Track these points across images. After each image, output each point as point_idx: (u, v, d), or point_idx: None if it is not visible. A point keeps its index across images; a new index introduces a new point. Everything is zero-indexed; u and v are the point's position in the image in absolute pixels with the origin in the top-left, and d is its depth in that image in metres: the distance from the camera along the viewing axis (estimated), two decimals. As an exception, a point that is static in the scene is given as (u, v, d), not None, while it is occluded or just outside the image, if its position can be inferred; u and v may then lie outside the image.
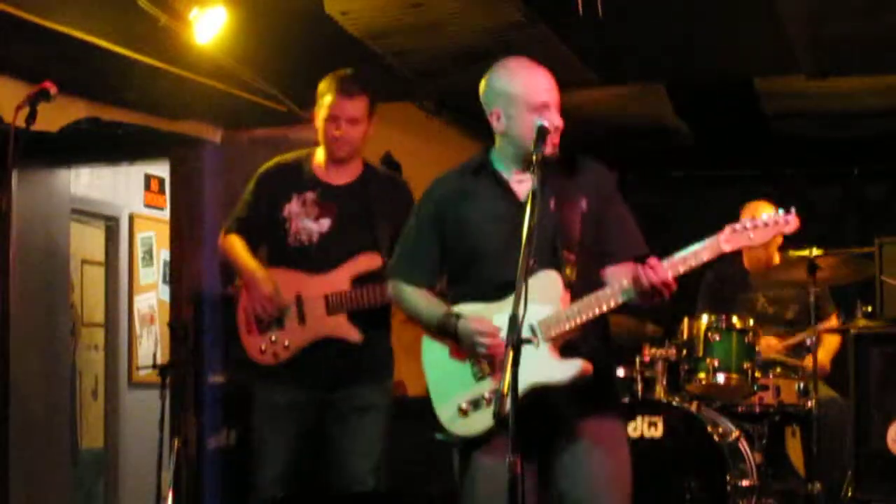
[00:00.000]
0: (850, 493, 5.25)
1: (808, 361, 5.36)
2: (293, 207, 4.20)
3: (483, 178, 3.42)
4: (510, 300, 3.02)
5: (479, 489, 3.28)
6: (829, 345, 5.78)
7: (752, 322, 5.41)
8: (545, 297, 3.21)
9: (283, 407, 4.19)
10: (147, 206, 8.46)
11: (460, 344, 3.30)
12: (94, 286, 8.25)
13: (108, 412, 8.11)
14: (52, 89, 3.66)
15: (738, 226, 3.12)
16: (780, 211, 3.17)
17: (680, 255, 3.12)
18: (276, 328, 4.18)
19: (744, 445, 5.10)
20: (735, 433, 5.11)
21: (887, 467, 5.15)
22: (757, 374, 5.32)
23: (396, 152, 7.06)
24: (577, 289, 3.22)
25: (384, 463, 4.23)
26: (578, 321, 3.19)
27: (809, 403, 5.33)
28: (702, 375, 5.26)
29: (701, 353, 5.26)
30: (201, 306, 5.73)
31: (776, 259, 5.83)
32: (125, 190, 8.26)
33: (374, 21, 5.18)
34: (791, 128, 7.76)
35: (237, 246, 4.28)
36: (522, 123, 3.32)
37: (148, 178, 8.42)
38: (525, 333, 3.07)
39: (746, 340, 5.30)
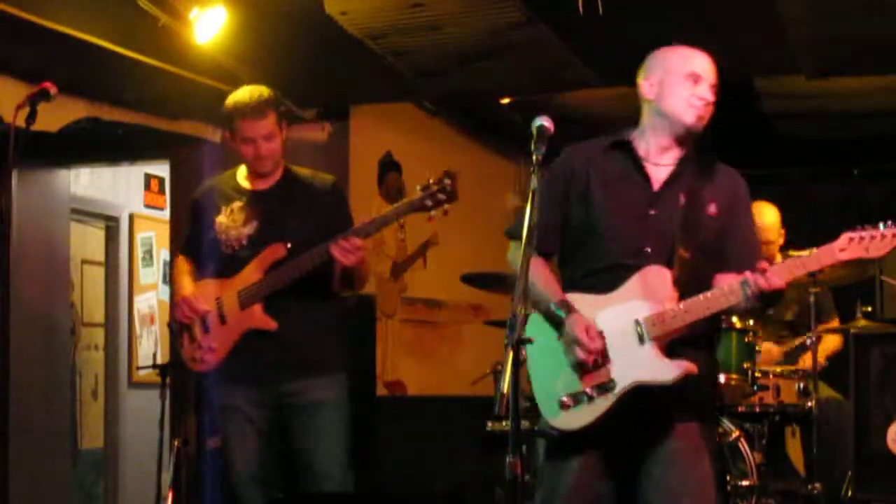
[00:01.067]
0: (850, 493, 5.25)
1: (804, 362, 5.35)
2: (223, 219, 4.31)
3: (618, 155, 3.36)
4: (621, 295, 3.06)
5: (561, 486, 3.26)
6: (829, 344, 5.77)
7: (751, 322, 5.40)
8: (653, 294, 3.18)
9: (239, 407, 4.23)
10: (147, 206, 8.46)
11: (562, 337, 3.25)
12: (94, 286, 8.25)
13: (108, 412, 8.11)
14: (52, 89, 3.65)
15: (855, 235, 3.08)
16: (889, 223, 3.10)
17: (791, 261, 3.10)
18: (204, 335, 4.25)
19: (744, 445, 5.09)
20: (735, 433, 5.10)
21: (887, 467, 5.15)
22: (757, 374, 5.31)
23: (396, 152, 7.07)
24: (688, 289, 3.19)
25: (351, 457, 4.27)
26: (686, 321, 3.15)
27: (809, 403, 5.32)
28: (702, 375, 5.25)
29: (701, 353, 5.25)
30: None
31: (778, 259, 5.83)
32: (125, 190, 8.26)
33: (374, 21, 5.18)
34: (791, 128, 7.76)
35: (179, 267, 4.43)
36: (673, 92, 3.28)
37: (148, 178, 8.42)
38: (630, 329, 3.12)
39: (746, 340, 5.29)
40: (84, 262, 8.19)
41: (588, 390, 3.19)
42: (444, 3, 4.99)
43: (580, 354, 3.19)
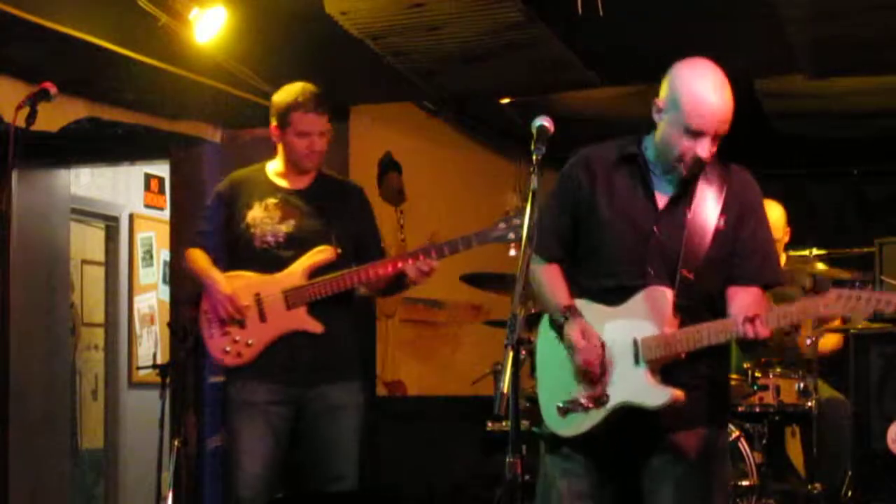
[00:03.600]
0: (850, 493, 5.25)
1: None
2: (256, 214, 4.33)
3: (628, 169, 3.33)
4: (628, 310, 3.08)
5: (556, 491, 3.28)
6: (828, 342, 5.77)
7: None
8: (652, 315, 3.18)
9: (260, 405, 4.24)
10: (147, 206, 8.47)
11: (562, 341, 3.27)
12: (94, 286, 8.25)
13: (108, 412, 8.11)
14: (52, 89, 3.66)
15: (843, 293, 3.07)
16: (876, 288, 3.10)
17: (778, 310, 3.10)
18: (238, 329, 4.26)
19: (744, 445, 5.10)
20: (735, 433, 5.10)
21: (887, 467, 5.15)
22: (757, 374, 5.32)
23: (396, 152, 7.06)
24: (691, 311, 3.18)
25: (365, 462, 4.29)
26: (679, 350, 3.15)
27: (809, 403, 5.33)
28: (702, 375, 5.25)
29: (701, 353, 5.25)
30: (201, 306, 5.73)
31: (782, 257, 5.83)
32: (125, 190, 8.26)
33: (374, 21, 5.18)
34: (791, 128, 7.75)
35: (198, 257, 4.40)
36: (670, 134, 3.24)
37: (148, 178, 8.42)
38: (626, 347, 3.12)
39: (746, 340, 5.30)
40: (84, 262, 8.19)
41: (584, 401, 3.22)
42: (444, 3, 4.99)
43: (577, 359, 3.21)
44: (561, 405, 3.24)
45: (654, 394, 3.17)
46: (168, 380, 5.25)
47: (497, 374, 5.30)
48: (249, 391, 4.25)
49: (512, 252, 4.14)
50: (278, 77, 5.85)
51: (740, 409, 5.41)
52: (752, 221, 3.31)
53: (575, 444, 3.27)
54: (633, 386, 3.16)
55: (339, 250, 4.26)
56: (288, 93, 4.36)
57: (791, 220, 5.81)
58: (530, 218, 3.00)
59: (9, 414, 3.68)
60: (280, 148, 4.40)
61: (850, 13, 5.08)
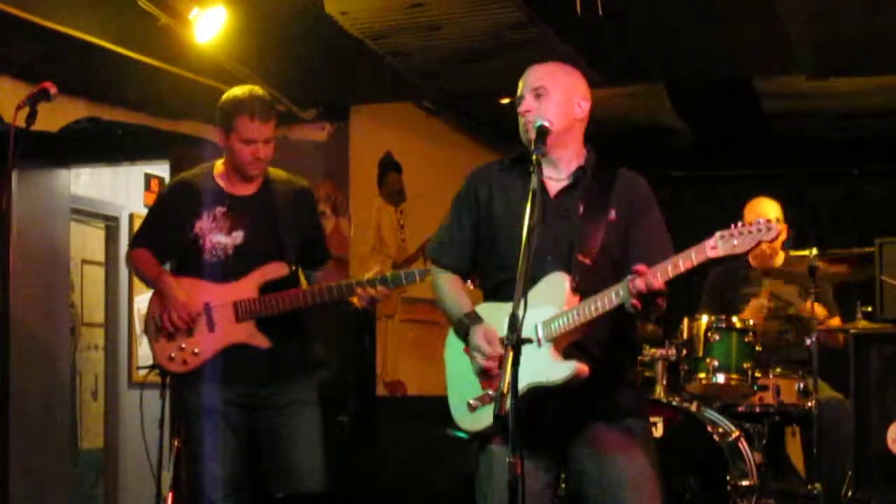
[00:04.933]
0: (850, 493, 5.25)
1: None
2: (204, 224, 4.23)
3: (518, 170, 3.46)
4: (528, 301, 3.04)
5: (493, 480, 3.32)
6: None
7: (752, 322, 5.41)
8: (551, 299, 3.25)
9: (216, 407, 4.20)
10: (147, 206, 8.45)
11: (467, 347, 3.38)
12: (94, 286, 8.25)
13: (108, 412, 8.11)
14: (52, 89, 3.65)
15: (725, 233, 3.13)
16: (763, 220, 3.16)
17: (668, 261, 3.14)
18: (185, 336, 4.21)
19: (744, 445, 5.10)
20: (735, 433, 5.11)
21: (887, 467, 5.15)
22: (757, 374, 5.32)
23: (396, 152, 7.07)
24: (590, 295, 3.23)
25: (365, 461, 4.28)
26: (576, 322, 3.21)
27: (809, 403, 5.33)
28: (702, 375, 5.26)
29: (701, 353, 5.26)
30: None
31: (780, 255, 5.84)
32: (125, 190, 8.26)
33: (374, 21, 5.18)
34: (791, 128, 7.76)
35: (146, 257, 4.33)
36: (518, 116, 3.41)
37: (148, 178, 8.42)
38: (530, 334, 3.13)
39: (746, 340, 5.30)
40: (84, 262, 8.19)
41: (492, 392, 3.27)
42: (444, 3, 4.99)
43: (481, 361, 3.29)
44: (471, 402, 3.33)
45: (557, 368, 3.21)
46: (168, 380, 5.25)
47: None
48: (204, 395, 4.20)
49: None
50: (278, 77, 5.88)
51: (740, 409, 5.41)
52: (642, 215, 3.40)
53: (494, 437, 3.30)
54: (538, 367, 3.18)
55: (293, 267, 4.22)
56: (234, 96, 4.20)
57: (791, 220, 5.81)
58: (530, 218, 3.01)
59: (9, 414, 3.67)
60: (224, 152, 4.28)
61: (850, 13, 5.08)
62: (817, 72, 5.93)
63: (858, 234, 7.58)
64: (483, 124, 7.64)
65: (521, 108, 3.41)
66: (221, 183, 4.29)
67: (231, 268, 4.21)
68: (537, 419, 3.17)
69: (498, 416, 2.86)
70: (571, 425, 3.31)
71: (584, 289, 3.25)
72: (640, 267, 3.12)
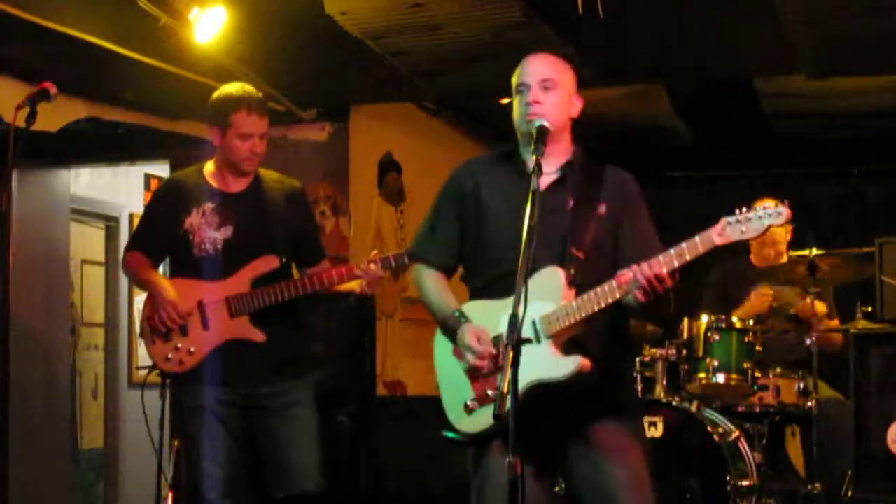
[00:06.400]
0: (850, 493, 5.25)
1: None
2: (194, 220, 4.24)
3: (506, 165, 3.42)
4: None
5: (489, 484, 3.29)
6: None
7: (752, 322, 5.41)
8: (548, 294, 3.21)
9: (212, 407, 4.20)
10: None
11: (457, 347, 3.35)
12: (94, 286, 8.25)
13: (108, 412, 8.11)
14: (52, 89, 3.65)
15: (731, 219, 3.10)
16: (772, 204, 3.14)
17: (673, 249, 3.11)
18: (180, 336, 4.21)
19: (744, 445, 5.10)
20: (735, 433, 5.11)
21: (887, 467, 5.15)
22: (757, 374, 5.32)
23: (396, 152, 7.07)
24: (585, 289, 3.21)
25: (363, 462, 4.28)
26: (578, 317, 3.18)
27: (809, 403, 5.33)
28: (702, 375, 5.26)
29: (701, 353, 5.26)
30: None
31: (785, 257, 5.83)
32: (125, 190, 8.25)
33: (374, 21, 5.18)
34: (791, 128, 7.76)
35: (139, 260, 4.34)
36: (515, 104, 3.38)
37: (148, 178, 8.41)
38: (527, 331, 3.09)
39: (746, 340, 5.30)
40: (84, 262, 8.18)
41: (490, 393, 3.23)
42: (444, 3, 4.99)
43: (472, 360, 3.26)
44: (469, 403, 3.30)
45: (560, 364, 3.17)
46: (168, 380, 5.25)
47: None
48: (200, 396, 4.20)
49: None
50: (278, 77, 5.88)
51: (740, 409, 5.41)
52: (632, 211, 3.38)
53: (492, 439, 3.25)
54: (539, 364, 3.14)
55: (284, 259, 4.21)
56: (227, 93, 4.24)
57: (791, 220, 5.80)
58: (530, 218, 3.00)
59: (9, 414, 3.68)
60: (218, 150, 4.30)
61: (850, 13, 5.08)
62: (817, 72, 5.94)
63: (858, 234, 7.59)
64: (483, 124, 7.64)
65: (529, 98, 3.33)
66: (212, 180, 4.31)
67: (222, 264, 4.21)
68: (535, 419, 3.13)
69: (498, 416, 2.85)
70: (569, 425, 3.28)
71: (579, 282, 3.22)
72: (646, 260, 3.09)
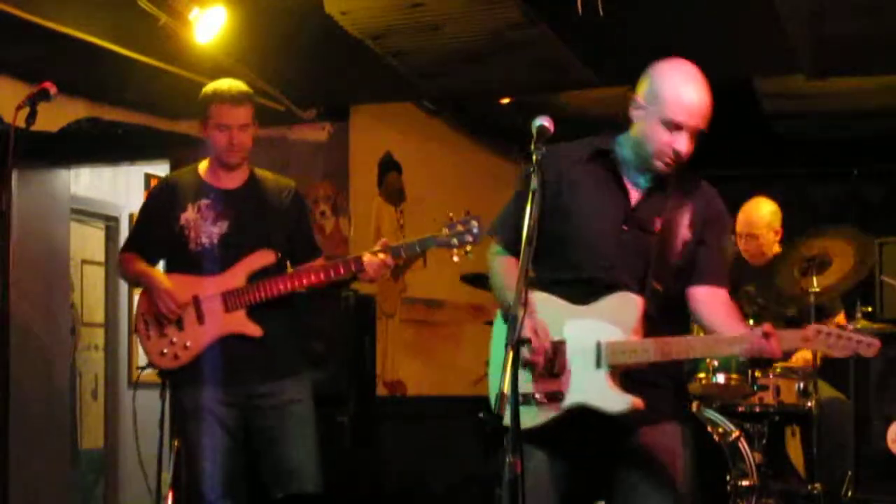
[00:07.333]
0: (850, 493, 5.25)
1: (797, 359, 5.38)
2: (189, 215, 4.26)
3: (600, 164, 3.31)
4: (593, 311, 3.06)
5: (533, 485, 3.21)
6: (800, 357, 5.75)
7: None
8: (619, 320, 3.16)
9: (209, 407, 4.19)
10: (147, 206, 8.45)
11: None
12: (94, 286, 8.25)
13: (108, 412, 8.11)
14: (52, 89, 3.66)
15: (823, 330, 3.07)
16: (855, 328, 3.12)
17: (797, 332, 3.08)
18: (176, 330, 4.21)
19: (744, 445, 5.10)
20: (735, 433, 5.11)
21: (887, 467, 5.15)
22: (757, 374, 5.32)
23: (396, 152, 7.07)
24: (656, 322, 3.17)
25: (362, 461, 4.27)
26: (649, 359, 3.13)
27: (809, 403, 5.33)
28: (702, 375, 5.26)
29: (701, 353, 5.25)
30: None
31: (775, 249, 5.81)
32: (125, 190, 8.26)
33: (374, 21, 5.18)
34: (791, 128, 7.76)
35: (134, 259, 4.35)
36: (648, 128, 3.21)
37: (148, 178, 8.41)
38: (591, 349, 3.10)
39: (746, 340, 5.29)
40: (84, 262, 8.19)
41: (538, 395, 3.20)
42: (444, 3, 5.00)
43: (526, 353, 3.17)
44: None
45: (613, 400, 3.14)
46: (167, 380, 5.25)
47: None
48: (197, 395, 4.20)
49: (455, 258, 4.09)
50: (278, 77, 5.88)
51: (740, 409, 5.41)
52: (716, 229, 3.31)
53: (534, 437, 3.21)
54: (592, 389, 3.12)
55: (279, 254, 4.22)
56: (209, 87, 4.28)
57: (791, 221, 5.80)
58: (530, 218, 3.00)
59: (9, 414, 3.67)
60: (208, 147, 4.34)
61: (850, 13, 5.09)
62: (817, 72, 5.94)
63: (858, 234, 7.58)
64: (483, 124, 7.64)
65: (681, 146, 3.19)
66: (206, 178, 4.33)
67: (218, 259, 4.21)
68: (580, 433, 3.14)
69: (497, 416, 2.84)
70: (615, 442, 3.23)
71: (652, 316, 3.17)
72: (768, 326, 3.05)
